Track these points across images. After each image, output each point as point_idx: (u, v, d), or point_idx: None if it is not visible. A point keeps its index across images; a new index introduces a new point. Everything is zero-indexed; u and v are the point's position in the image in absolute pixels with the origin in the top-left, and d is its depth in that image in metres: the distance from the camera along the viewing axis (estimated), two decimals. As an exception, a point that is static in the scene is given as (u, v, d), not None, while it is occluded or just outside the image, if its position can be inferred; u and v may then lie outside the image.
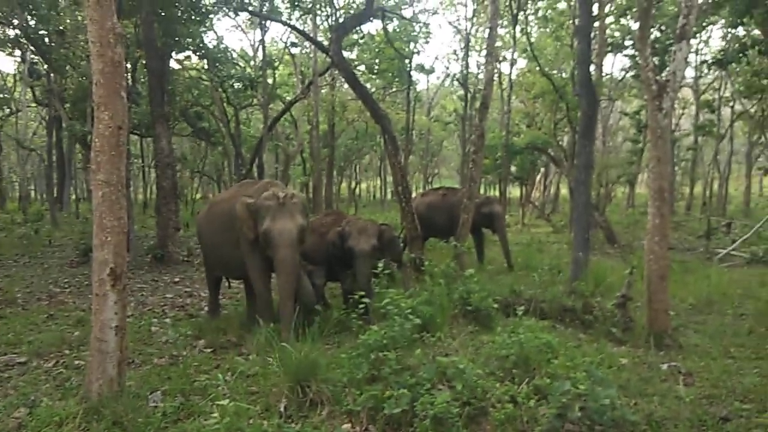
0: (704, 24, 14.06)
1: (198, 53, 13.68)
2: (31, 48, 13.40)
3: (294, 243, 5.39)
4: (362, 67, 20.75)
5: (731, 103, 22.79)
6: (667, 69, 5.54)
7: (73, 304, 7.48)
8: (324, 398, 3.98)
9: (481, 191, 20.10)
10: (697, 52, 21.70)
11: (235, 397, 4.05)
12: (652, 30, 6.32)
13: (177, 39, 11.29)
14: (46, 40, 11.89)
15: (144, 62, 11.98)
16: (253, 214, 5.54)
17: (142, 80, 14.02)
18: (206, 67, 15.43)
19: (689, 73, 22.28)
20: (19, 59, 17.99)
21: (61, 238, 14.21)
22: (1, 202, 25.75)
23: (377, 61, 20.18)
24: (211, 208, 6.73)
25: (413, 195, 10.59)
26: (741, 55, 8.41)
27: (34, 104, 23.35)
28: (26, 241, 13.09)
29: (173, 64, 13.42)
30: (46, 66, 14.79)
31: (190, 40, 12.17)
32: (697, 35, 17.71)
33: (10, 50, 15.03)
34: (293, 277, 5.38)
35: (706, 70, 20.57)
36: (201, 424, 3.70)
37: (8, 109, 22.28)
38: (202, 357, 5.21)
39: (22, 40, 13.27)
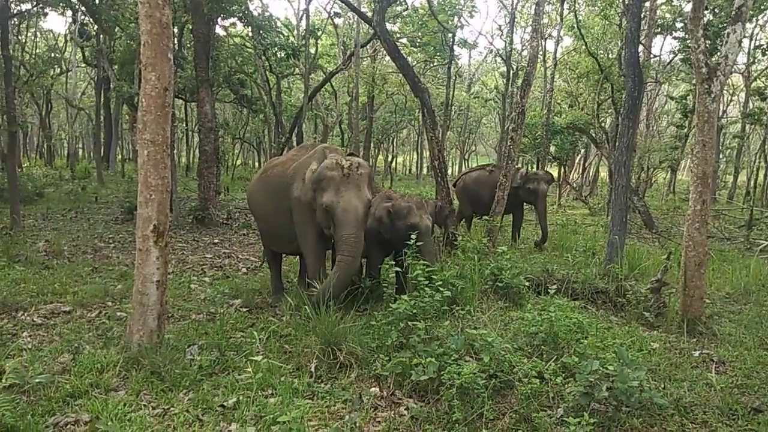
0: (762, 7, 13.47)
1: (243, 20, 13.74)
2: (82, 9, 13.64)
3: (360, 221, 4.77)
4: (404, 40, 20.57)
5: (784, 91, 21.87)
6: (719, 52, 5.36)
7: (116, 258, 7.74)
8: (353, 361, 4.09)
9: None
10: (751, 37, 20.84)
11: (268, 355, 4.19)
12: (705, 12, 6.11)
13: (223, 5, 11.35)
14: (96, 1, 12.08)
15: (190, 27, 12.12)
16: (314, 184, 4.92)
17: (188, 45, 14.19)
18: (250, 34, 15.50)
19: (741, 59, 21.47)
20: (70, 20, 18.42)
21: (106, 195, 14.66)
22: (50, 159, 26.65)
23: (420, 34, 19.96)
24: (265, 174, 6.02)
25: (456, 172, 10.56)
26: (800, 40, 8.07)
27: (83, 64, 23.88)
28: (73, 197, 13.56)
29: (218, 31, 13.52)
30: (95, 27, 15.07)
31: (236, 6, 12.21)
32: (753, 19, 16.94)
33: (62, 11, 15.35)
34: (352, 256, 4.74)
35: (759, 56, 19.77)
36: (235, 378, 3.86)
37: (59, 69, 22.81)
38: (238, 315, 5.36)
39: (73, 1, 13.53)
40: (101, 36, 15.14)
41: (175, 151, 14.60)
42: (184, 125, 23.46)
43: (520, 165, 12.90)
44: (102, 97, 21.95)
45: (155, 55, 4.01)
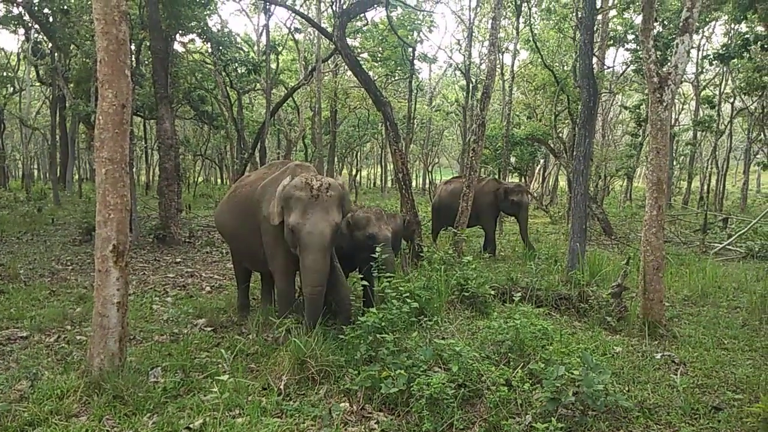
0: (707, 19, 14.06)
1: (202, 36, 13.65)
2: (36, 27, 13.37)
3: (325, 247, 4.55)
4: (365, 55, 20.72)
5: (731, 100, 22.81)
6: (669, 62, 5.56)
7: (75, 281, 7.52)
8: (322, 377, 4.06)
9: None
10: (699, 48, 21.72)
11: (235, 374, 4.12)
12: (655, 24, 6.35)
13: (181, 21, 11.25)
14: (51, 19, 11.84)
15: (148, 44, 11.97)
16: (281, 201, 4.74)
17: (146, 62, 14.01)
18: (210, 50, 15.41)
19: (690, 68, 22.34)
20: (23, 38, 17.98)
21: (63, 216, 14.26)
22: (4, 181, 25.87)
23: (380, 48, 20.14)
24: (234, 193, 5.89)
25: (420, 184, 10.62)
26: (743, 50, 8.42)
27: (38, 83, 23.36)
28: (29, 219, 13.15)
29: (177, 47, 13.38)
30: (50, 45, 14.76)
31: (195, 23, 12.12)
32: (700, 31, 17.70)
33: (14, 29, 14.99)
34: (319, 286, 4.58)
35: (707, 66, 20.60)
36: (200, 400, 3.77)
37: (12, 88, 22.24)
38: (203, 335, 5.26)
39: (26, 19, 13.23)
40: (56, 54, 14.85)
41: (134, 169, 14.29)
42: (144, 143, 23.08)
43: (492, 176, 12.93)
44: (57, 116, 21.42)
45: (112, 71, 3.95)
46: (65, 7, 11.37)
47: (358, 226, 5.69)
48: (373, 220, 5.72)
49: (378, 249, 5.24)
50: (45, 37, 14.15)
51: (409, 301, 4.58)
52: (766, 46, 8.54)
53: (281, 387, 3.96)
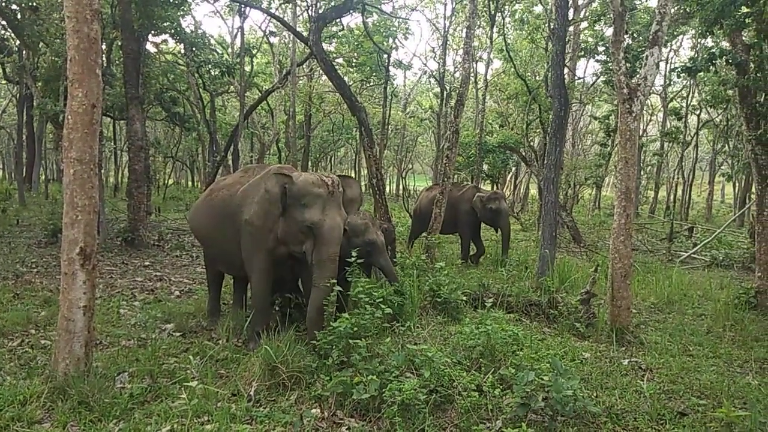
0: (675, 33, 14.41)
1: (175, 37, 13.46)
2: (2, 23, 13.04)
3: (340, 240, 4.82)
4: (341, 60, 20.72)
5: (697, 112, 23.43)
6: (639, 74, 5.69)
7: (40, 284, 7.31)
8: (293, 383, 4.03)
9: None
10: (667, 61, 22.28)
11: (204, 380, 4.07)
12: (625, 36, 6.49)
13: (154, 21, 11.09)
14: (19, 15, 11.56)
15: (120, 43, 11.77)
16: (287, 199, 4.78)
17: (118, 62, 13.78)
18: (183, 51, 15.22)
19: (658, 81, 22.89)
20: (-12, 34, 17.52)
21: (29, 218, 13.88)
22: (-35, 181, 25.09)
23: (356, 54, 20.17)
24: (210, 196, 5.80)
25: (393, 190, 10.59)
26: (709, 64, 8.64)
27: (4, 81, 22.75)
28: (-8, 221, 12.78)
29: (149, 47, 13.17)
30: (17, 42, 14.40)
31: (168, 23, 11.96)
32: (668, 44, 18.14)
33: (-21, 25, 14.61)
34: (332, 281, 4.66)
35: (675, 78, 21.14)
36: (168, 406, 3.71)
37: (-25, 86, 21.64)
38: (171, 340, 5.18)
39: (-8, 15, 12.88)
40: (24, 51, 14.50)
41: (102, 171, 13.98)
42: (113, 144, 22.61)
43: (473, 184, 12.86)
44: (24, 114, 20.90)
45: (82, 71, 3.88)
46: (34, 4, 11.11)
47: (356, 232, 5.62)
48: (371, 226, 5.71)
49: (373, 254, 5.50)
50: (12, 34, 13.79)
51: (382, 306, 4.58)
52: (730, 60, 8.76)
53: (251, 393, 3.92)
